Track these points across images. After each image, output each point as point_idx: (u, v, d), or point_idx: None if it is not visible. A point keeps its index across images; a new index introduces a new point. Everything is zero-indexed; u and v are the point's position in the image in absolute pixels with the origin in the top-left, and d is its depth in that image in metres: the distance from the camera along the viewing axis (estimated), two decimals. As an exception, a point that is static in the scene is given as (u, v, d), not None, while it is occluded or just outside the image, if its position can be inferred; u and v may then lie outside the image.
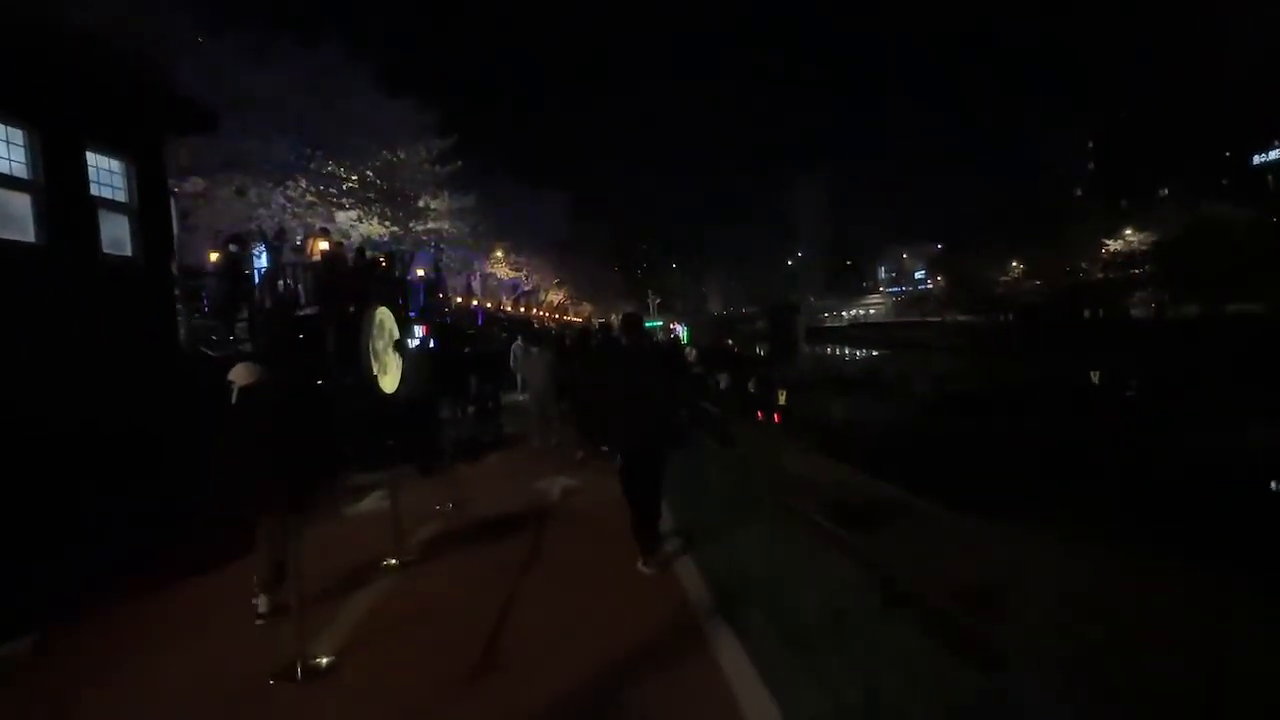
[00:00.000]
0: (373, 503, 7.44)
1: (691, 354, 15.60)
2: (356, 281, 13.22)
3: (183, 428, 6.36)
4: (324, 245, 12.18)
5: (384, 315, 15.09)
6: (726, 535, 5.71)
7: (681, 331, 60.64)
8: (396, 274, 16.28)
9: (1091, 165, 77.07)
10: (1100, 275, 56.47)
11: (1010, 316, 40.24)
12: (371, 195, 16.41)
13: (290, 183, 13.56)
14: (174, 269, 7.49)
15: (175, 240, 7.94)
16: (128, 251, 6.17)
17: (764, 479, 7.53)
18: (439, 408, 8.02)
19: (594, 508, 6.72)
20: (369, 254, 14.63)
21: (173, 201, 14.18)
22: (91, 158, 5.85)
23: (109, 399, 5.49)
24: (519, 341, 15.38)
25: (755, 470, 8.11)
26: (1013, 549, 6.14)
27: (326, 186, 14.67)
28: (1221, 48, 58.11)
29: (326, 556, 5.26)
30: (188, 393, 6.60)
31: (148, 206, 6.29)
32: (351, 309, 13.27)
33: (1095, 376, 18.85)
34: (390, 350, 13.99)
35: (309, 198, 14.40)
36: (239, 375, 4.41)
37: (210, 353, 8.38)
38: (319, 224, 14.35)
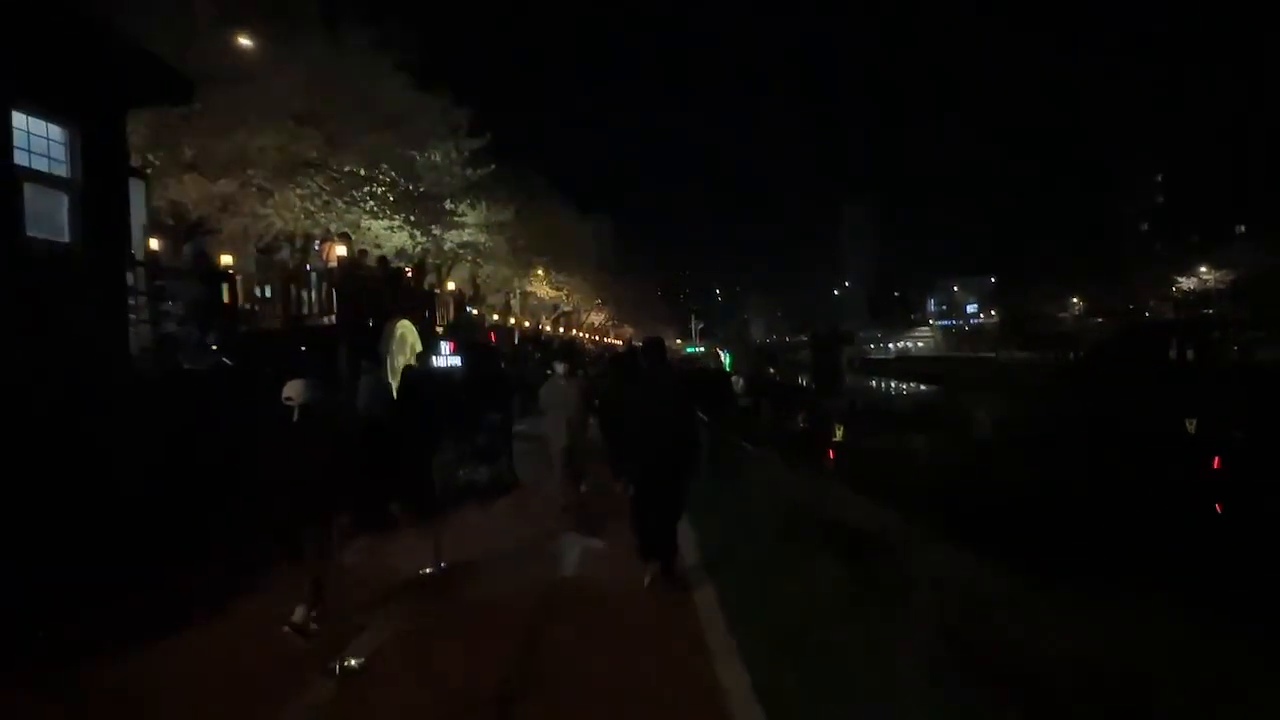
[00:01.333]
0: (349, 556, 5.61)
1: (738, 384, 14.12)
2: (377, 292, 12.15)
3: (125, 457, 5.17)
4: (341, 250, 11.15)
5: (405, 329, 14.00)
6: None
7: (725, 358, 59.05)
8: (426, 287, 15.22)
9: (1161, 199, 73.41)
10: (1172, 314, 53.54)
11: (1078, 354, 37.45)
12: (393, 198, 15.32)
13: (302, 178, 12.56)
14: (134, 262, 6.35)
15: (138, 229, 6.79)
16: (64, 237, 5.05)
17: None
18: (435, 438, 6.55)
19: (621, 588, 5.14)
20: (394, 264, 13.61)
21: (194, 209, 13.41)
22: (20, 119, 4.75)
23: (16, 425, 4.31)
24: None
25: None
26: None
27: (348, 186, 13.64)
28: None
29: (238, 660, 3.96)
30: (135, 414, 5.41)
31: (96, 184, 5.17)
32: (370, 321, 12.23)
33: (1191, 425, 16.76)
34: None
35: (325, 197, 13.37)
36: (296, 392, 4.21)
37: (185, 364, 7.21)
38: (335, 228, 13.32)
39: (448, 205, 19.12)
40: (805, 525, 6.67)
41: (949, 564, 6.01)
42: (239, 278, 11.14)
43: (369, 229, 16.73)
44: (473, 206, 19.85)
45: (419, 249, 18.62)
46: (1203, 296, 53.07)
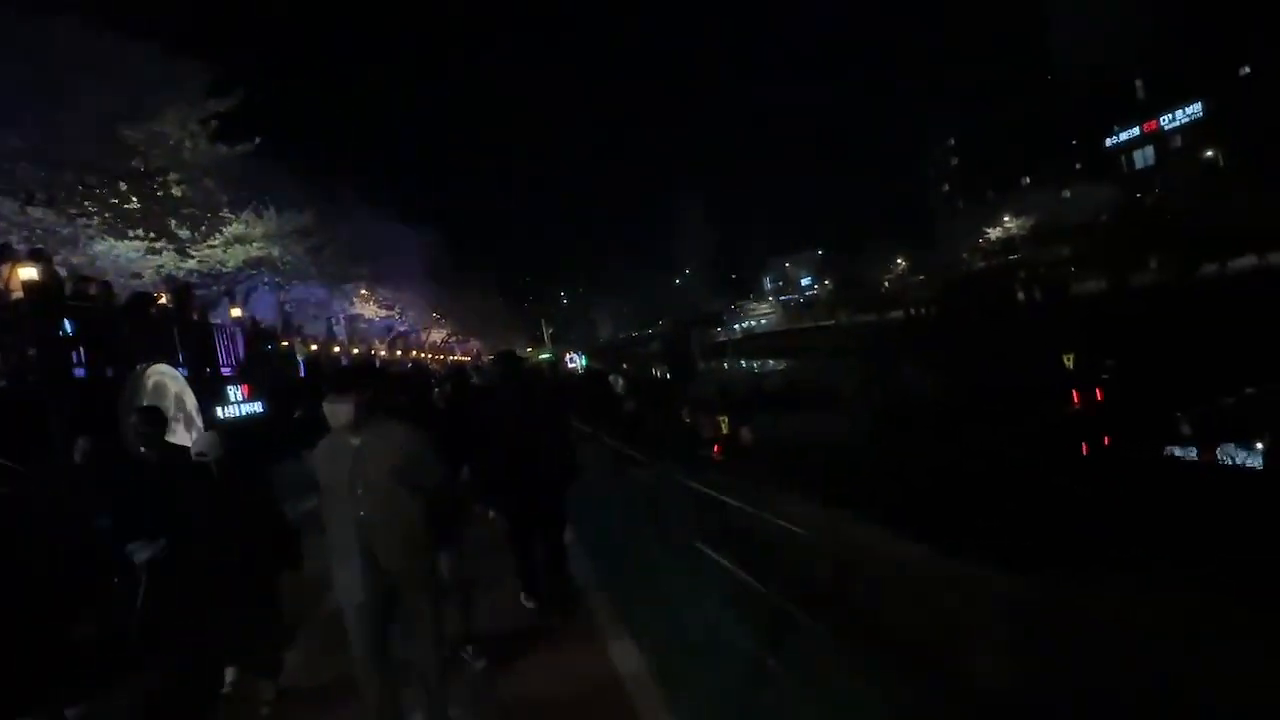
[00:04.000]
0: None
1: (618, 385, 11.73)
2: (103, 330, 8.55)
3: None
4: (29, 273, 7.52)
5: (164, 377, 10.32)
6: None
7: (580, 360, 56.86)
8: (194, 317, 11.57)
9: (955, 161, 79.89)
10: (982, 264, 58.00)
11: (918, 310, 38.69)
12: (116, 200, 11.44)
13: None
14: None
15: None
16: None
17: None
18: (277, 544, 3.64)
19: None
20: (118, 290, 10.00)
21: None
22: None
23: None
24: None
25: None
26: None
27: (58, 191, 9.78)
28: (1058, 46, 61.40)
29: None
30: None
31: None
32: (89, 370, 8.50)
33: (1069, 360, 16.60)
34: (187, 425, 9.35)
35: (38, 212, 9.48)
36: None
37: None
38: (18, 244, 9.28)
39: (224, 214, 15.27)
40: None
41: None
42: None
43: (110, 250, 12.72)
44: (259, 214, 16.06)
45: (188, 273, 14.68)
46: (1007, 244, 57.97)
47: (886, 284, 70.03)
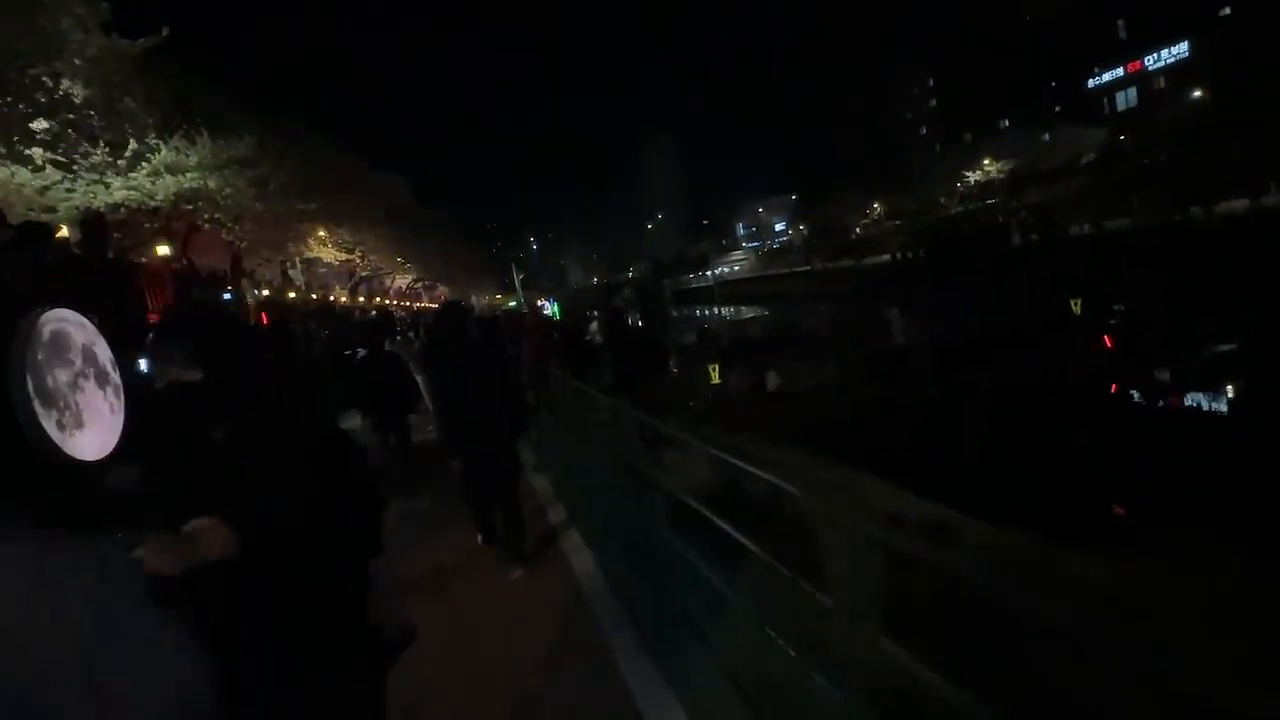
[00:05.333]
0: None
1: (595, 335, 10.38)
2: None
3: None
4: None
5: (64, 325, 8.84)
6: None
7: (551, 307, 55.22)
8: (109, 254, 9.96)
9: (934, 103, 78.30)
10: (960, 208, 57.23)
11: (913, 254, 37.65)
12: (49, 127, 9.77)
13: None
14: None
15: None
16: None
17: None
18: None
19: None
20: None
21: None
22: None
23: None
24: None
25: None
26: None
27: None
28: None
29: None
30: None
31: None
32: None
33: (1076, 306, 15.67)
34: (100, 381, 7.85)
35: None
36: None
37: None
38: None
39: (150, 141, 13.42)
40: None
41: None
42: None
43: (10, 178, 10.94)
44: (191, 140, 14.21)
45: (113, 208, 12.91)
46: (985, 187, 57.13)
47: (858, 230, 69.01)
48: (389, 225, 35.05)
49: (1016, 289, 18.89)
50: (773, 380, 15.05)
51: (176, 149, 13.84)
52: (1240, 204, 26.51)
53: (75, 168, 11.94)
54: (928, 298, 22.62)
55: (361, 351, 8.04)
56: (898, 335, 20.52)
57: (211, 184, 14.10)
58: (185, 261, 14.68)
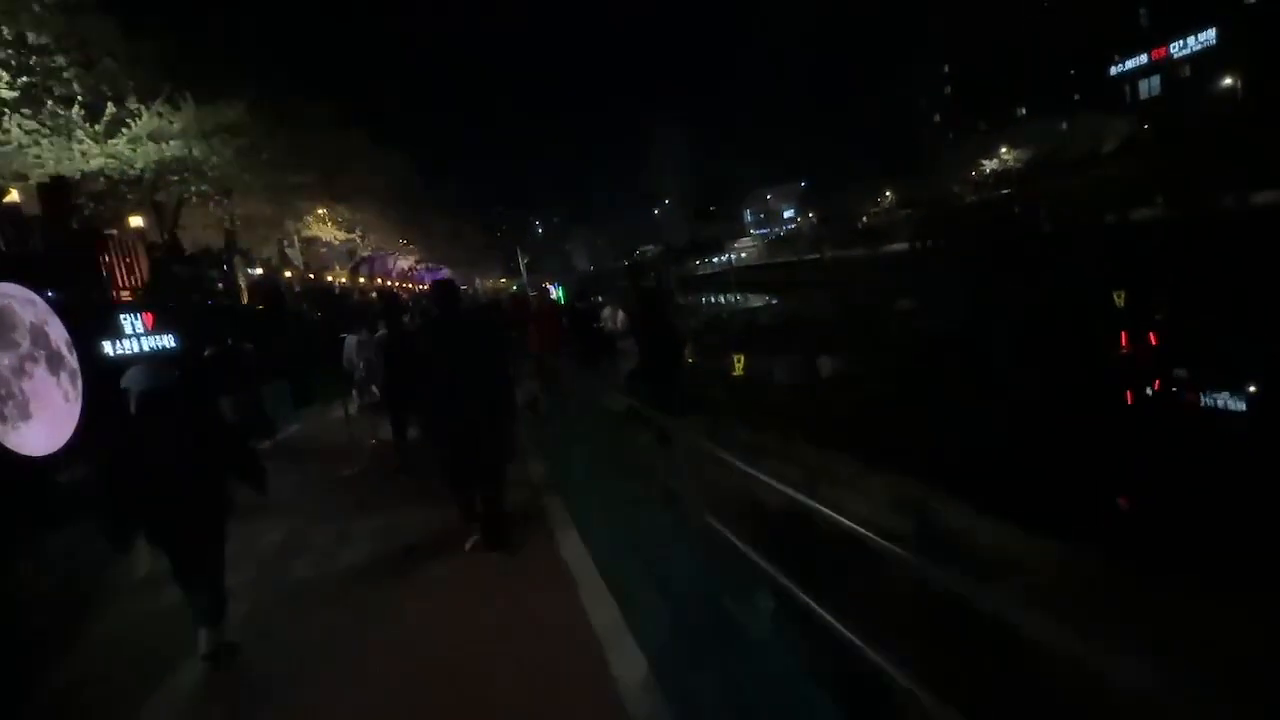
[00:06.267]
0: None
1: (619, 321, 9.41)
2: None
3: None
4: None
5: (9, 301, 7.79)
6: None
7: (557, 291, 54.24)
8: (73, 224, 9.07)
9: (949, 90, 76.63)
10: (973, 198, 55.92)
11: (924, 243, 36.48)
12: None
13: None
14: None
15: None
16: None
17: None
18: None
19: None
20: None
21: None
22: None
23: None
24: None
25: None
26: None
27: None
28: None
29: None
30: None
31: None
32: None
33: (1120, 298, 14.65)
34: (52, 365, 7.12)
35: None
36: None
37: None
38: None
39: (131, 105, 12.51)
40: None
41: None
42: None
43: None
44: (175, 105, 13.26)
45: (90, 176, 12.00)
46: (1001, 177, 55.79)
47: (864, 219, 67.77)
48: (391, 204, 34.02)
49: (1052, 279, 17.87)
50: (826, 366, 14.19)
51: (159, 114, 12.91)
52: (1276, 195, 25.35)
53: (45, 130, 11.02)
54: (952, 287, 21.56)
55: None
56: (910, 326, 19.72)
57: (197, 153, 13.15)
58: (167, 236, 13.76)
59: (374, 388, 8.16)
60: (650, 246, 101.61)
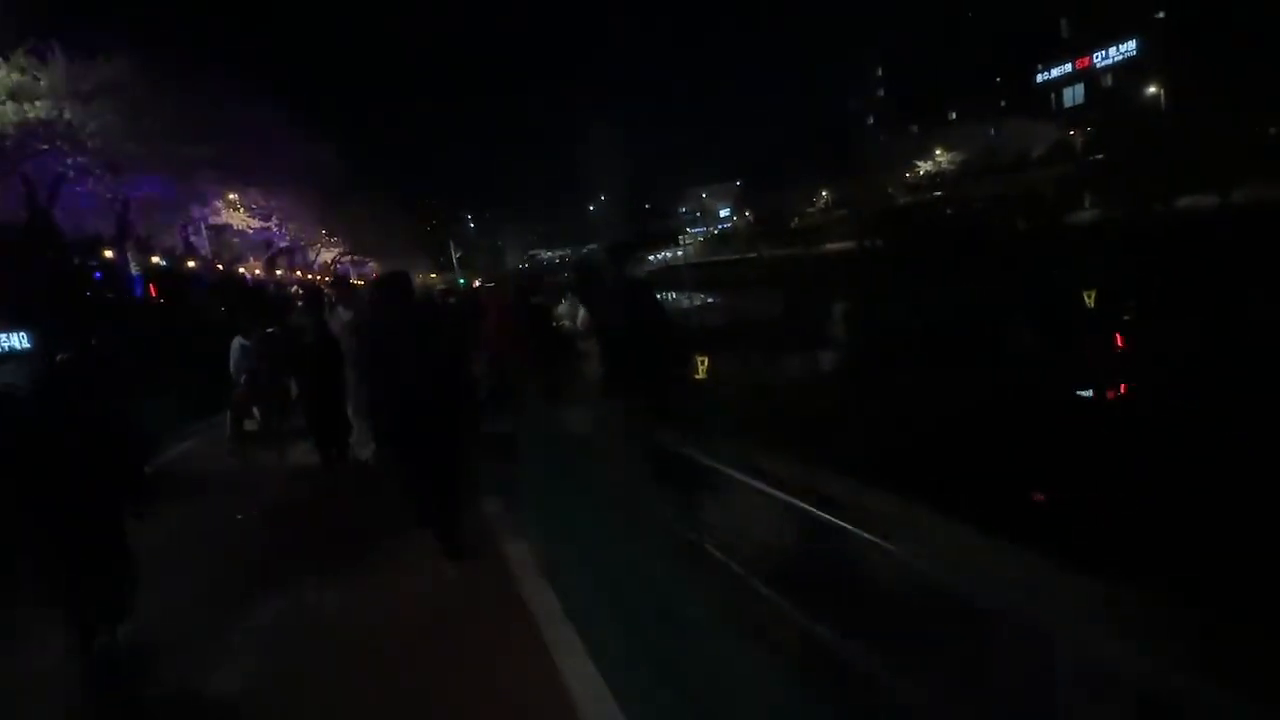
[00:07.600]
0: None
1: (580, 319, 8.02)
2: None
3: None
4: None
5: None
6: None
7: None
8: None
9: (881, 93, 77.94)
10: (907, 198, 56.74)
11: (874, 243, 36.23)
12: None
13: None
14: None
15: None
16: None
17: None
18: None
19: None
20: None
21: None
22: None
23: None
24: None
25: None
26: None
27: None
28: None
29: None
30: None
31: None
32: None
33: (1090, 298, 14.21)
34: None
35: None
36: None
37: None
38: None
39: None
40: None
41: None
42: None
43: None
44: (42, 59, 11.13)
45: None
46: (934, 179, 56.83)
47: (797, 219, 68.30)
48: (311, 190, 31.38)
49: (1011, 279, 17.47)
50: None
51: (20, 68, 10.76)
52: (1207, 200, 26.07)
53: None
54: (901, 288, 21.06)
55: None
56: (836, 328, 19.57)
57: (67, 114, 11.05)
58: (33, 217, 11.60)
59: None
60: (594, 244, 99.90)
